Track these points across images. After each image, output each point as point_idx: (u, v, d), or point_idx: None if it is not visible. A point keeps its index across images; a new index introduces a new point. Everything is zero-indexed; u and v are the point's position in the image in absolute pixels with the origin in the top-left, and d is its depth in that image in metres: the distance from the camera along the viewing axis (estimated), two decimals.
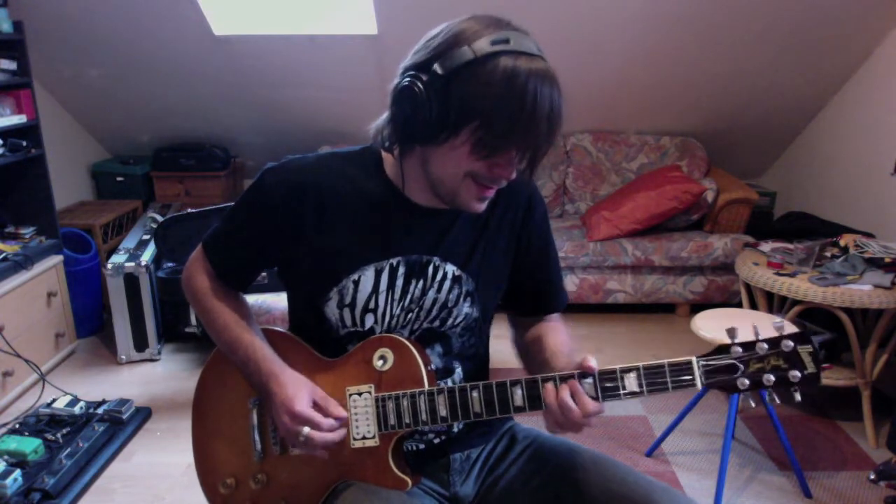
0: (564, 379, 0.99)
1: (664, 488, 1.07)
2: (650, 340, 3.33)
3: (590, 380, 0.98)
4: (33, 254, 2.85)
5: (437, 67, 0.92)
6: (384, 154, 1.10)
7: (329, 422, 1.04)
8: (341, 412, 1.06)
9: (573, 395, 0.97)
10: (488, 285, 1.16)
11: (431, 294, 1.12)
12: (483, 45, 0.91)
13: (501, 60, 0.91)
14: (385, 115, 1.03)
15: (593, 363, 0.98)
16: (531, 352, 1.20)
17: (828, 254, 2.57)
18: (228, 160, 4.01)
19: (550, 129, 0.94)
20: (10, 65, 2.80)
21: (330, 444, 1.05)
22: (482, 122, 0.92)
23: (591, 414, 0.96)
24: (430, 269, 1.11)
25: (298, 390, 1.06)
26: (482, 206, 1.04)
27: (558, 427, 1.00)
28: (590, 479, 1.09)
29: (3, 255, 2.76)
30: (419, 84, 0.93)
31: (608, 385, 0.97)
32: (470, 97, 0.92)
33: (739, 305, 2.83)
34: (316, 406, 1.06)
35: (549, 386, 0.99)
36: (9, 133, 2.80)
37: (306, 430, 1.03)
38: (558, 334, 1.21)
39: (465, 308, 1.14)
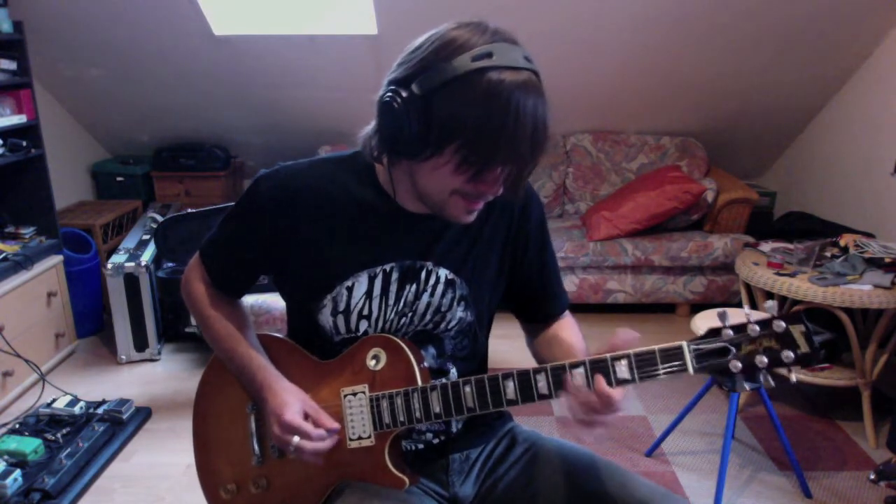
0: (555, 370, 0.98)
1: (664, 494, 1.06)
2: (650, 340, 3.27)
3: (580, 369, 0.96)
4: (33, 254, 2.85)
5: (415, 87, 0.90)
6: None
7: (319, 432, 1.04)
8: (332, 424, 1.06)
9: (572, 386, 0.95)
10: (482, 289, 1.16)
11: (425, 298, 1.11)
12: (464, 61, 0.88)
13: (483, 77, 0.87)
14: (372, 125, 1.01)
15: (625, 337, 0.97)
16: (543, 353, 1.19)
17: (828, 254, 2.57)
18: (228, 160, 4.01)
19: (535, 145, 0.91)
20: (10, 65, 2.80)
21: (320, 454, 1.05)
22: (464, 141, 0.90)
23: (598, 401, 0.93)
24: (424, 273, 1.11)
25: (289, 400, 1.06)
26: (471, 218, 1.03)
27: (583, 417, 0.95)
28: (590, 485, 1.09)
29: (3, 255, 2.76)
30: (399, 101, 0.91)
31: (599, 373, 0.95)
32: (451, 116, 0.89)
33: (739, 305, 2.83)
34: (307, 417, 1.06)
35: (541, 377, 0.98)
36: (9, 133, 2.81)
37: (296, 439, 1.03)
38: (569, 332, 1.20)
39: (459, 312, 1.14)
